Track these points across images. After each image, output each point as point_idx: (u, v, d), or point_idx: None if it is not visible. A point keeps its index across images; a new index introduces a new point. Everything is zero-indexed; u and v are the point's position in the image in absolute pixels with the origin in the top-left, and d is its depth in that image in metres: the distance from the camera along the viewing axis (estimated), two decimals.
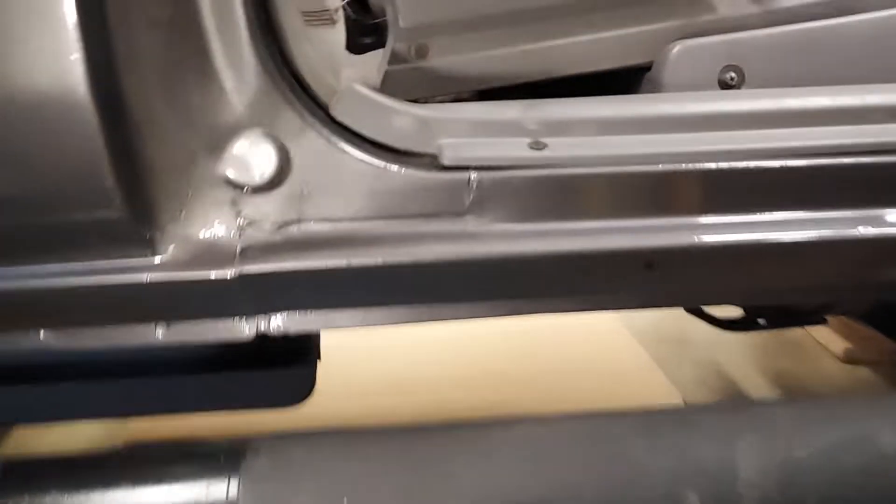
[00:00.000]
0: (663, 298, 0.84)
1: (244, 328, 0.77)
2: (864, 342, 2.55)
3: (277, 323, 0.78)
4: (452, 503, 0.63)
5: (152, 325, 0.75)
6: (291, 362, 1.21)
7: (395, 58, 0.84)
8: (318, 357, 1.32)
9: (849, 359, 2.53)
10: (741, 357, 2.66)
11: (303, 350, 1.26)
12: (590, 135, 0.77)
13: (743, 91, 0.84)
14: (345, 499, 0.62)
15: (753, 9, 0.86)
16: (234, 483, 0.63)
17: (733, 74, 0.85)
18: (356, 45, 0.95)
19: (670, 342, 2.71)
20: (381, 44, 0.91)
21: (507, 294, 0.80)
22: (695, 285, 0.81)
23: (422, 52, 0.85)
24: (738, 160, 0.75)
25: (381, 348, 2.57)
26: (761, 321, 1.77)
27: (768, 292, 0.84)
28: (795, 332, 2.78)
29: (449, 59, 0.85)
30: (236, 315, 0.76)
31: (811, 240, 0.76)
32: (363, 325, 0.82)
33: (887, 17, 0.86)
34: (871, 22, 0.86)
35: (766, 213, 0.77)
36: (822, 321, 1.75)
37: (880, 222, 0.77)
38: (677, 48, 0.84)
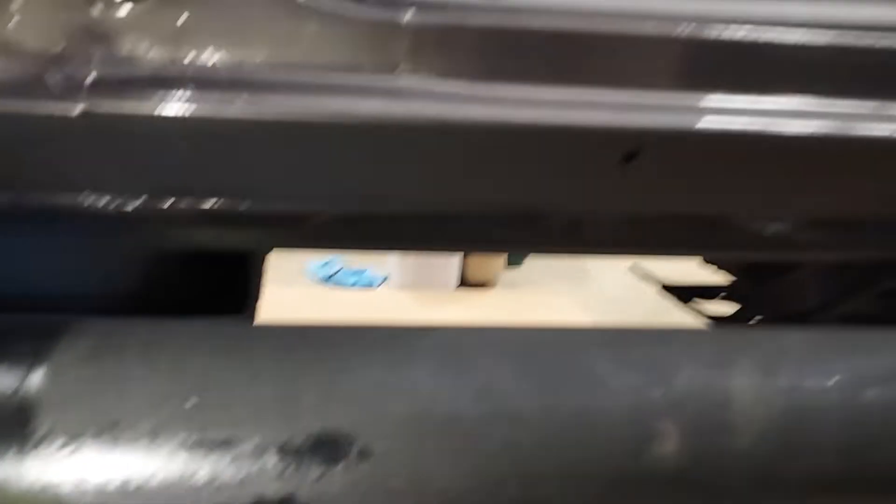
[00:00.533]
0: (643, 220, 0.67)
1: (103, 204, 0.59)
2: None
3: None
4: (340, 411, 0.45)
5: None
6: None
7: None
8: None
9: None
10: None
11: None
12: None
13: None
14: (193, 398, 0.44)
15: None
16: (37, 370, 0.45)
17: None
18: None
19: None
20: None
21: (445, 193, 0.62)
22: (685, 192, 0.64)
23: None
24: (748, 28, 0.59)
25: None
26: (755, 319, 1.62)
27: (770, 214, 0.67)
28: None
29: None
30: (92, 189, 0.58)
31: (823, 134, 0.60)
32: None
33: None
34: None
35: (776, 96, 0.60)
36: (830, 321, 1.59)
37: None
38: None
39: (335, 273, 3.13)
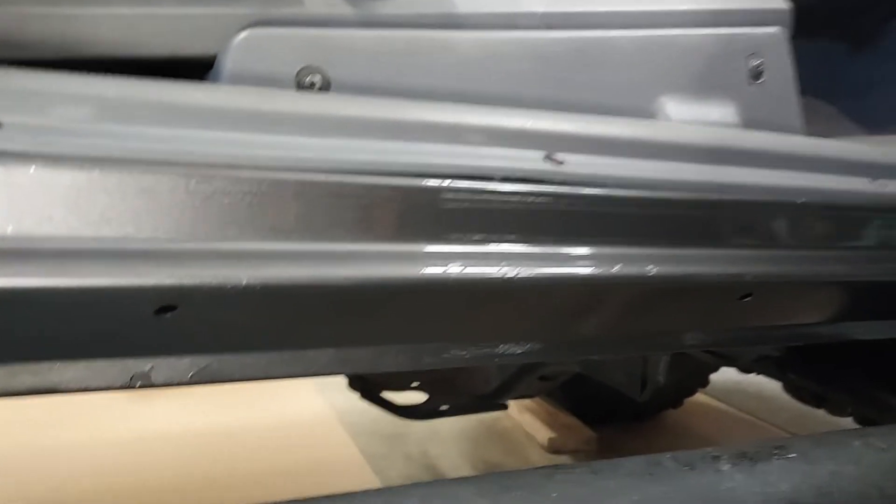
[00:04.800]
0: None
1: None
2: (566, 431, 2.59)
3: None
4: None
5: None
6: None
7: None
8: None
9: (552, 448, 2.54)
10: (453, 449, 2.59)
11: None
12: (85, 120, 0.53)
13: (309, 94, 0.66)
14: None
15: (347, 10, 0.70)
16: None
17: (315, 79, 0.67)
18: None
19: (383, 436, 2.56)
20: None
21: None
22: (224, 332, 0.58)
23: None
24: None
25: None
26: (444, 407, 1.64)
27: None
28: (506, 423, 2.77)
29: None
30: None
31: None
32: None
33: (496, 37, 0.75)
34: (478, 40, 0.75)
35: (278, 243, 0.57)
36: (503, 406, 1.66)
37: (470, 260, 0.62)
38: (245, 35, 0.65)
39: None
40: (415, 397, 1.66)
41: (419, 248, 0.60)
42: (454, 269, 0.61)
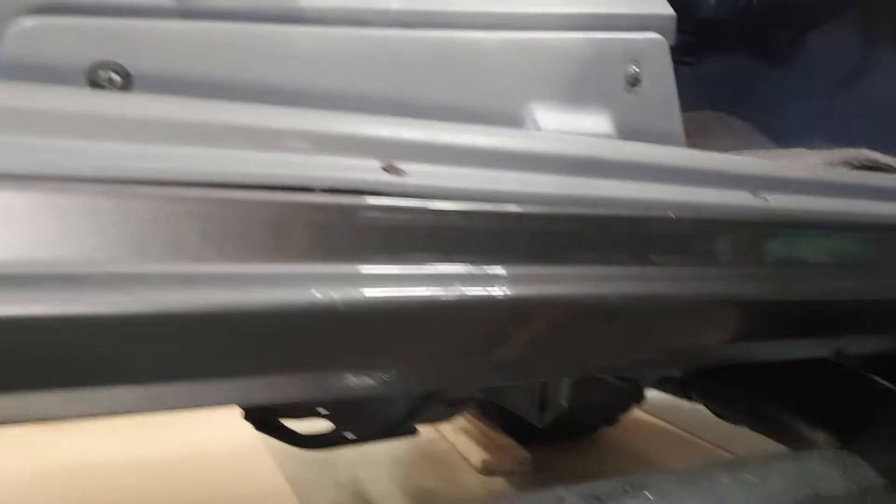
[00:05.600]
0: None
1: None
2: (500, 452, 2.52)
3: None
4: None
5: None
6: None
7: None
8: None
9: (486, 470, 2.48)
10: (385, 474, 2.50)
11: None
12: None
13: (100, 92, 0.58)
14: None
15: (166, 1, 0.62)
16: None
17: (113, 75, 0.59)
18: None
19: (313, 462, 2.46)
20: None
21: None
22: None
23: None
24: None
25: None
26: (349, 435, 1.56)
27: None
28: (440, 445, 2.70)
29: None
30: None
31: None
32: None
33: (342, 34, 0.68)
34: (320, 36, 0.67)
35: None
36: (413, 431, 1.58)
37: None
38: (24, 24, 0.57)
39: None
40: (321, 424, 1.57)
41: (216, 270, 0.52)
42: (259, 294, 0.53)
